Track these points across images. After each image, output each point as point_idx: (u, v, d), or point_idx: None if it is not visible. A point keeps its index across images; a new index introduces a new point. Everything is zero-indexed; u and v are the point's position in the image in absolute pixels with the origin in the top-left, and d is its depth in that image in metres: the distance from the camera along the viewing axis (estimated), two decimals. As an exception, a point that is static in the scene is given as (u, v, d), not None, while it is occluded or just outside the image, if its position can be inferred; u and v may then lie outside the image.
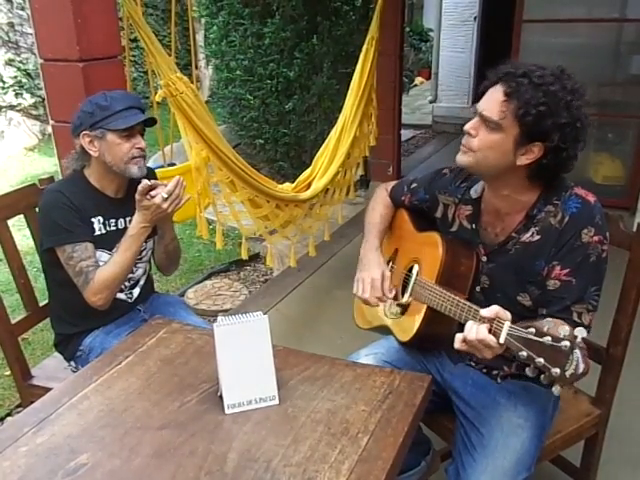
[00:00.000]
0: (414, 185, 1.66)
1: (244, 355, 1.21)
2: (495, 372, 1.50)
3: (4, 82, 6.18)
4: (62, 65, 1.89)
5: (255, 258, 3.79)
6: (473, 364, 1.52)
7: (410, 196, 1.66)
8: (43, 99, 6.55)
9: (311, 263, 3.49)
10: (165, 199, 1.63)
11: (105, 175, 1.73)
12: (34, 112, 6.52)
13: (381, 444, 1.10)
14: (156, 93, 2.34)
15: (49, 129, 6.70)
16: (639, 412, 2.24)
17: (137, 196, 1.63)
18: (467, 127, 1.33)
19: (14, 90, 6.29)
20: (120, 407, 1.22)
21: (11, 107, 6.29)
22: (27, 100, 6.40)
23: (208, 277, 3.62)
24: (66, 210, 1.67)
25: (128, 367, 1.36)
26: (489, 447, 1.36)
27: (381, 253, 1.62)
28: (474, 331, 1.16)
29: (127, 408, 1.22)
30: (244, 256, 2.90)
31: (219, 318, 1.22)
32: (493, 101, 1.28)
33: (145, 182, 1.63)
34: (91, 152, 1.69)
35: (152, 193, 1.64)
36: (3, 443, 1.12)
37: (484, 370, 1.51)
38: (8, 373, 2.73)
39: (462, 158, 1.37)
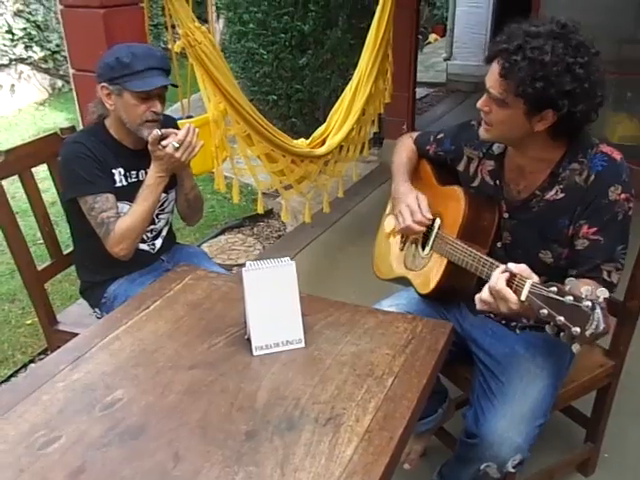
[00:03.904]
0: (440, 135, 1.66)
1: (272, 299, 1.24)
2: (514, 324, 1.53)
3: (14, 34, 6.10)
4: (82, 11, 1.87)
5: (268, 214, 3.81)
6: (492, 315, 1.55)
7: (435, 146, 1.66)
8: (53, 52, 6.48)
9: (325, 220, 3.51)
10: (177, 148, 1.63)
11: (123, 128, 1.72)
12: (44, 65, 6.46)
13: (406, 385, 1.14)
14: (167, 48, 2.31)
15: (59, 83, 6.68)
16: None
17: (149, 146, 1.64)
18: (479, 105, 1.37)
19: (24, 43, 6.21)
20: (151, 348, 1.26)
21: (21, 60, 6.23)
22: (37, 53, 6.33)
23: (222, 232, 3.66)
24: (87, 161, 1.67)
25: (156, 311, 1.39)
26: (508, 394, 1.39)
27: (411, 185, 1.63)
28: (494, 279, 1.17)
29: (157, 349, 1.26)
30: (260, 211, 2.92)
31: (247, 263, 1.25)
32: (494, 79, 1.30)
33: (156, 132, 1.62)
34: (107, 105, 1.68)
35: (163, 143, 1.63)
36: (41, 379, 1.16)
37: (503, 322, 1.54)
38: (29, 322, 2.81)
39: (484, 134, 1.41)
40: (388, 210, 1.78)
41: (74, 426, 1.04)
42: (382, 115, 3.78)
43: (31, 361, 2.57)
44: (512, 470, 1.38)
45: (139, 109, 1.64)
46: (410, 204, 1.54)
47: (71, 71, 2.00)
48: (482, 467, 1.40)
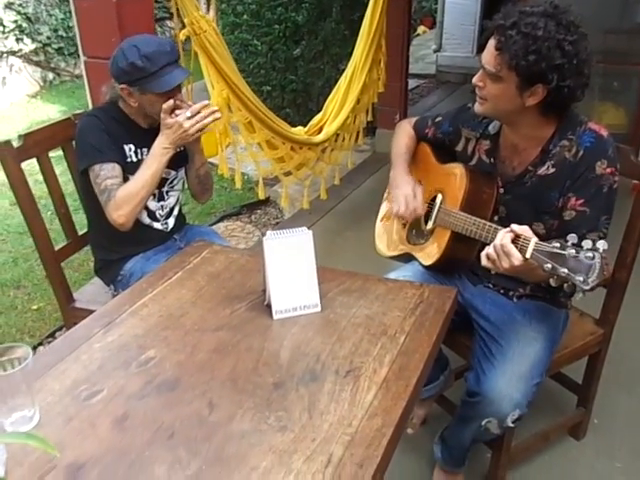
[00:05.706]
0: (439, 119, 1.76)
1: (290, 266, 1.33)
2: (511, 293, 1.63)
3: (4, 26, 6.09)
4: (95, 0, 1.94)
5: (266, 202, 3.89)
6: (491, 285, 1.65)
7: (434, 129, 1.76)
8: (44, 45, 6.48)
9: (322, 206, 3.60)
10: (188, 118, 1.68)
11: (141, 112, 1.79)
12: (35, 58, 6.45)
13: (417, 342, 1.23)
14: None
15: (50, 76, 6.66)
16: (635, 339, 2.41)
17: (162, 114, 1.69)
18: (474, 80, 1.46)
19: (15, 35, 6.21)
20: (177, 313, 1.35)
21: (12, 53, 6.22)
22: (28, 46, 6.33)
23: (221, 220, 3.73)
24: (99, 132, 1.73)
25: (178, 281, 1.47)
26: (507, 355, 1.50)
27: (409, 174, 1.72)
28: (500, 237, 1.27)
29: (183, 314, 1.34)
30: (261, 196, 3.02)
31: (268, 233, 1.33)
32: (489, 54, 1.39)
33: (171, 101, 1.69)
34: (130, 103, 1.74)
35: (177, 112, 1.70)
36: (77, 341, 1.24)
37: (501, 291, 1.64)
38: (35, 307, 2.88)
39: (478, 108, 1.50)
40: (386, 195, 1.88)
41: (114, 381, 1.13)
42: (375, 104, 3.87)
43: (40, 344, 2.64)
44: (511, 425, 1.49)
45: (163, 101, 1.69)
46: (407, 195, 1.65)
47: (82, 58, 2.07)
48: (483, 423, 1.50)
